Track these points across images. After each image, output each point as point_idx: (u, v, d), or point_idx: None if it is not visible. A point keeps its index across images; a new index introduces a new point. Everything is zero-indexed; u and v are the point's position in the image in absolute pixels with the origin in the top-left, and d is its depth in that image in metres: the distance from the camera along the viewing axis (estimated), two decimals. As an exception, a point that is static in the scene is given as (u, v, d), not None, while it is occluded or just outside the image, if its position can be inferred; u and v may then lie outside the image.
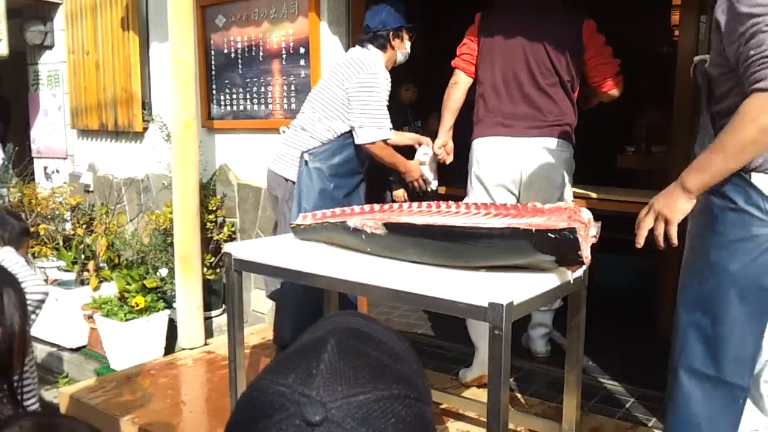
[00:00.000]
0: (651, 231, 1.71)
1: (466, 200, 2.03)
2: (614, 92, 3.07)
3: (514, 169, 2.98)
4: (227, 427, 0.65)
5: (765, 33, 1.48)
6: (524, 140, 2.96)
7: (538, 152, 2.95)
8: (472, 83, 3.13)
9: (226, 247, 2.43)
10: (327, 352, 0.64)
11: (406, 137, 3.51)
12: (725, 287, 1.66)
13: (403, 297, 1.90)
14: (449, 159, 3.26)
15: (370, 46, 3.24)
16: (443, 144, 3.20)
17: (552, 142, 2.96)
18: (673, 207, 1.57)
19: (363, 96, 3.14)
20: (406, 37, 3.28)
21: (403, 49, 3.29)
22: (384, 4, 3.29)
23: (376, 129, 3.13)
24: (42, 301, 1.81)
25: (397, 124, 3.28)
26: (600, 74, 3.03)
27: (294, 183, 3.23)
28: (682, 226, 1.68)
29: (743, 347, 1.66)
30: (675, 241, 1.59)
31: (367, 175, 3.44)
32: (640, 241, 1.64)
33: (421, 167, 3.39)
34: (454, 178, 3.60)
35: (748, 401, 1.76)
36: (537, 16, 2.98)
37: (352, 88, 3.15)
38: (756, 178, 1.64)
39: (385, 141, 3.17)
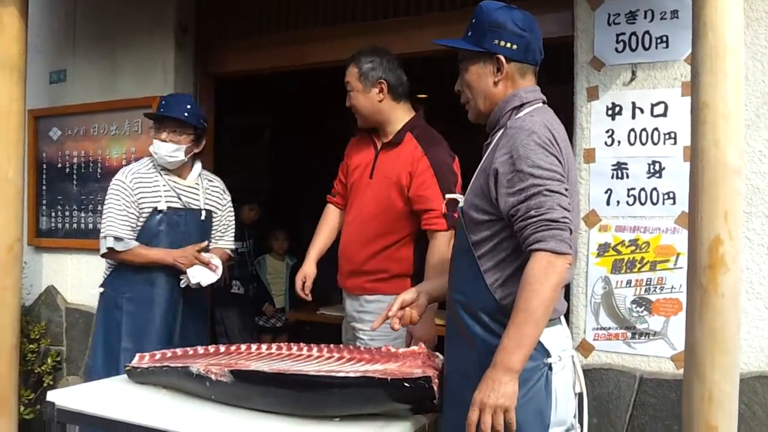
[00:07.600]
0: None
1: None
2: None
3: None
4: None
5: (546, 197, 1.58)
6: None
7: None
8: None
9: (49, 396, 2.16)
10: None
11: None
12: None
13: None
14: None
15: None
16: None
17: None
18: (507, 394, 1.56)
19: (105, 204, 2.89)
20: (152, 132, 2.90)
21: (150, 143, 2.91)
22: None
23: (102, 239, 2.83)
24: None
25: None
26: None
27: None
28: None
29: None
30: (515, 426, 1.58)
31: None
32: None
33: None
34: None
35: None
36: None
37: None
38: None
39: (114, 250, 2.79)
